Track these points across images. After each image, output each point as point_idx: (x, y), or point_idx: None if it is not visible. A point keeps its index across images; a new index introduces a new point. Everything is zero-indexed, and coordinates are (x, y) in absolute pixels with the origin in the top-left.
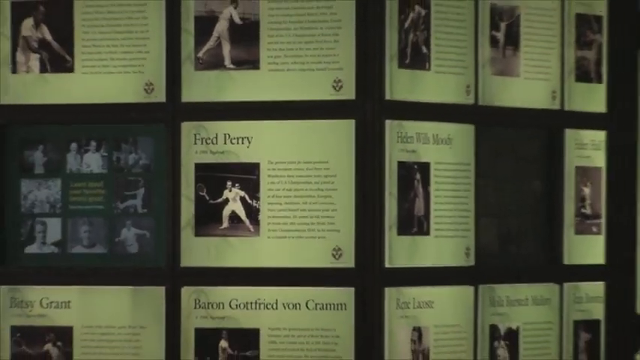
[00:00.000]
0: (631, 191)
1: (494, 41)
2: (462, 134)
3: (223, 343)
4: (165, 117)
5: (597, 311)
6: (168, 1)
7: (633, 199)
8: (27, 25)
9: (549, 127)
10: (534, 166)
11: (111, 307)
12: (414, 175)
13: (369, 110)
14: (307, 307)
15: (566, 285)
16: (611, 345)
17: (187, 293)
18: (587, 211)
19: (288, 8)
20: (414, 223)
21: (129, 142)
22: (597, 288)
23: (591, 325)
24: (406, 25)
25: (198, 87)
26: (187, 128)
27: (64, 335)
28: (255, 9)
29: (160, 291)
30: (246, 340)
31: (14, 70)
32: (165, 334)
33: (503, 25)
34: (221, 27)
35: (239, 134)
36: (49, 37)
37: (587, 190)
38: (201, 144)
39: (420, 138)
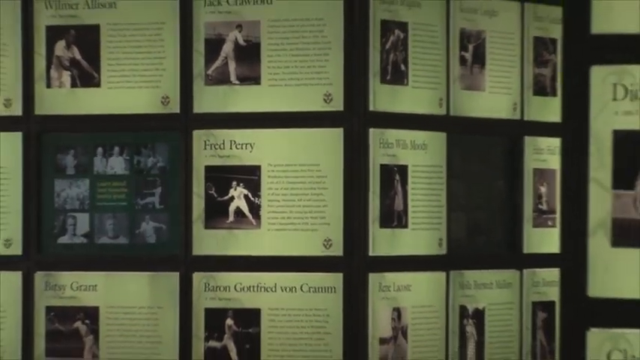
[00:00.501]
0: (582, 190)
1: (463, 60)
2: (435, 140)
3: (229, 321)
4: (179, 126)
5: (552, 293)
6: (182, 25)
7: (584, 197)
8: (60, 46)
9: (510, 134)
10: (498, 168)
11: (132, 290)
12: (394, 176)
13: (355, 120)
14: (302, 290)
15: (525, 271)
16: (564, 323)
17: (198, 278)
18: (544, 207)
19: (285, 32)
20: (394, 218)
21: (148, 147)
22: (552, 273)
23: (547, 306)
24: (387, 46)
25: (208, 100)
26: (198, 135)
27: (91, 314)
28: (256, 32)
29: (174, 276)
30: (249, 318)
31: (49, 85)
32: (179, 313)
33: (470, 47)
34: (227, 48)
35: (243, 140)
36: (78, 56)
37: (543, 189)
38: (210, 149)
39: (399, 144)
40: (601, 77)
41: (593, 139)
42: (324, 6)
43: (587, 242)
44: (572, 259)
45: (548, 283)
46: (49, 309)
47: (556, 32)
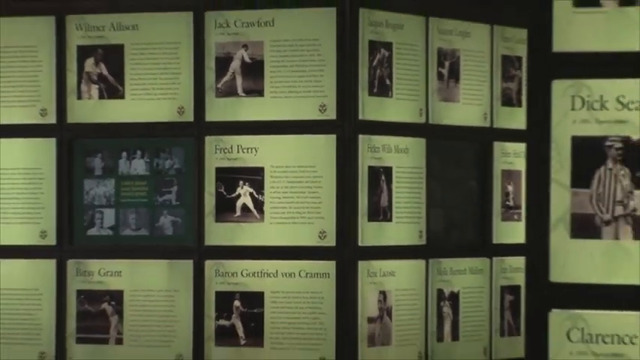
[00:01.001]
0: (545, 189)
1: (440, 75)
2: (416, 145)
3: (237, 303)
4: (192, 132)
5: (518, 279)
6: (196, 45)
7: (547, 195)
8: (89, 63)
9: (481, 140)
10: (470, 170)
11: (152, 275)
12: (380, 176)
13: (346, 128)
14: (300, 275)
15: (494, 259)
16: (529, 305)
17: (210, 265)
18: (511, 203)
19: (286, 51)
20: (380, 212)
21: (165, 151)
22: (519, 261)
23: (514, 290)
24: (374, 63)
25: (218, 110)
26: (209, 141)
27: (116, 297)
28: (260, 51)
29: (189, 264)
30: (254, 300)
31: (79, 97)
32: (193, 296)
33: (447, 64)
34: (235, 65)
35: (248, 145)
36: (105, 72)
37: (510, 188)
38: (220, 153)
39: (385, 148)
40: (561, 90)
41: (554, 145)
42: (319, 28)
43: (549, 234)
44: (536, 249)
45: (514, 269)
46: (80, 292)
47: (521, 51)
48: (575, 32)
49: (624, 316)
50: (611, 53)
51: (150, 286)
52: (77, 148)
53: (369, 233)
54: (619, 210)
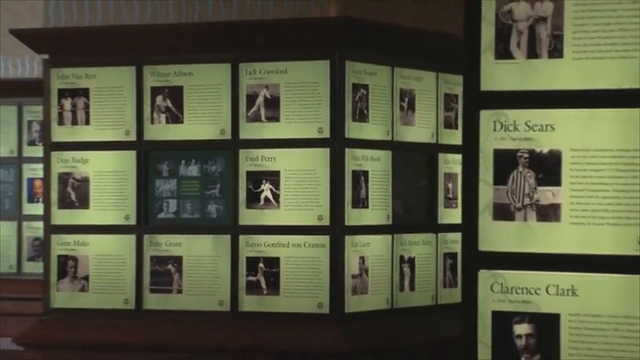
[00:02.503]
0: (475, 186)
1: (401, 108)
2: (384, 156)
3: (261, 265)
4: (230, 147)
5: (456, 248)
6: (233, 86)
7: (476, 190)
8: (159, 99)
9: (430, 152)
10: (422, 172)
11: (202, 245)
12: (360, 177)
13: (337, 144)
14: (304, 245)
15: (439, 234)
16: (464, 267)
17: (242, 239)
18: (450, 195)
19: (295, 89)
20: (360, 202)
21: (211, 160)
22: (456, 236)
23: (453, 256)
24: (356, 99)
25: (249, 131)
26: (242, 153)
27: (177, 260)
28: (277, 90)
29: (227, 238)
30: (273, 263)
31: (152, 122)
32: (230, 260)
33: (406, 99)
34: (260, 100)
35: (269, 155)
36: (170, 105)
37: (450, 185)
38: (249, 161)
39: (363, 158)
40: (486, 117)
41: (482, 155)
42: (319, 74)
43: (478, 217)
44: (469, 228)
45: (453, 241)
46: (152, 257)
47: (458, 90)
48: (496, 77)
49: (531, 275)
50: (521, 91)
51: (200, 253)
52: (150, 157)
53: (353, 216)
54: (527, 200)
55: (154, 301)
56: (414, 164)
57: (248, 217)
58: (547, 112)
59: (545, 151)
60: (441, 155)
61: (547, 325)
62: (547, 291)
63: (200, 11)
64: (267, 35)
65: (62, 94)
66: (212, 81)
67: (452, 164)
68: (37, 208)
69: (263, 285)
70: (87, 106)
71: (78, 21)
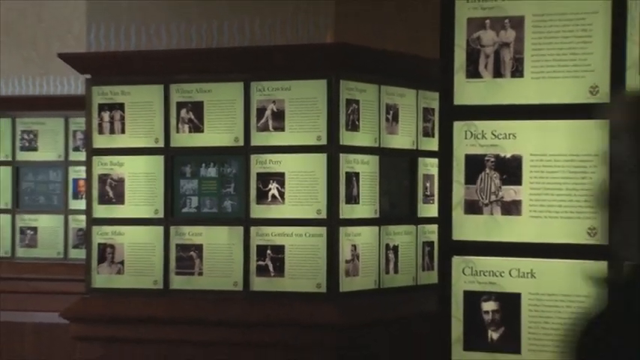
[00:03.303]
0: (449, 185)
1: (387, 119)
2: (373, 160)
3: (268, 251)
4: (244, 152)
5: (434, 237)
6: (245, 101)
7: (450, 188)
8: (183, 112)
9: (411, 157)
10: (405, 174)
11: (219, 235)
12: (352, 177)
13: (333, 149)
14: (305, 235)
15: (419, 226)
16: (440, 253)
17: (253, 229)
18: (428, 193)
19: (298, 105)
20: (352, 199)
21: (227, 163)
22: (434, 227)
23: (430, 244)
24: (348, 112)
25: (258, 139)
26: (254, 157)
27: (199, 248)
28: (283, 105)
29: (240, 229)
30: (279, 250)
31: (177, 131)
32: (243, 248)
33: (391, 112)
34: (268, 112)
35: (276, 160)
36: (192, 117)
37: (428, 184)
38: (259, 164)
39: (356, 161)
40: (458, 127)
41: (455, 159)
42: (318, 91)
43: (452, 211)
44: (444, 220)
45: (431, 232)
46: (177, 245)
47: (435, 105)
48: (467, 93)
49: (496, 260)
50: (487, 105)
51: (217, 241)
52: (176, 161)
53: (346, 211)
54: (493, 197)
55: (178, 282)
56: (397, 167)
57: (258, 211)
58: (510, 122)
59: (509, 155)
60: (420, 159)
61: (510, 303)
62: (510, 274)
63: (218, 38)
64: (274, 59)
65: (102, 108)
66: (228, 97)
67: (429, 167)
68: (81, 204)
69: (270, 268)
70: (122, 118)
71: (115, 46)
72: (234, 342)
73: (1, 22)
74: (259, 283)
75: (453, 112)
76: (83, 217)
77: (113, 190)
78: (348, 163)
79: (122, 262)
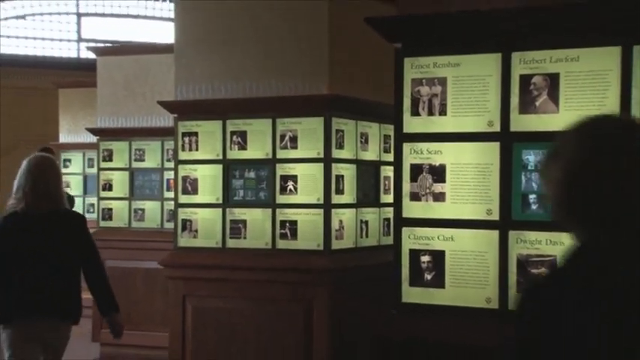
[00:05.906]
0: (400, 184)
1: (361, 141)
2: (352, 167)
3: (287, 224)
4: (271, 163)
5: (390, 215)
6: (273, 131)
7: (400, 185)
8: (234, 137)
9: (376, 165)
10: (373, 176)
11: (256, 214)
12: (339, 178)
13: (327, 161)
14: (310, 214)
15: (381, 208)
16: (395, 225)
17: (278, 210)
18: (387, 188)
19: (305, 133)
20: (339, 191)
21: (262, 169)
22: (390, 209)
23: (388, 220)
24: (338, 137)
25: (281, 154)
26: (278, 166)
27: (243, 223)
28: (296, 133)
29: (270, 210)
30: (294, 224)
31: (231, 149)
32: (271, 222)
33: (364, 137)
34: (287, 137)
35: (292, 167)
36: (240, 140)
37: (387, 182)
38: (281, 170)
39: (341, 168)
40: (406, 147)
41: (403, 167)
42: (317, 125)
43: (402, 200)
44: (397, 204)
45: (389, 212)
46: (230, 220)
47: (391, 132)
48: (411, 125)
49: (429, 230)
50: (424, 133)
51: (255, 217)
52: (230, 168)
53: (335, 199)
54: (427, 191)
55: (231, 243)
56: (368, 171)
57: (280, 199)
58: (438, 144)
59: (437, 164)
60: (382, 167)
61: (438, 256)
62: (438, 238)
63: (260, 91)
64: (291, 105)
65: (184, 135)
66: (262, 128)
67: (388, 171)
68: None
69: (288, 235)
70: (197, 141)
71: (194, 96)
72: (265, 280)
73: (122, 81)
74: (282, 244)
75: (402, 137)
76: (172, 203)
77: (190, 186)
78: (337, 169)
79: (196, 230)
